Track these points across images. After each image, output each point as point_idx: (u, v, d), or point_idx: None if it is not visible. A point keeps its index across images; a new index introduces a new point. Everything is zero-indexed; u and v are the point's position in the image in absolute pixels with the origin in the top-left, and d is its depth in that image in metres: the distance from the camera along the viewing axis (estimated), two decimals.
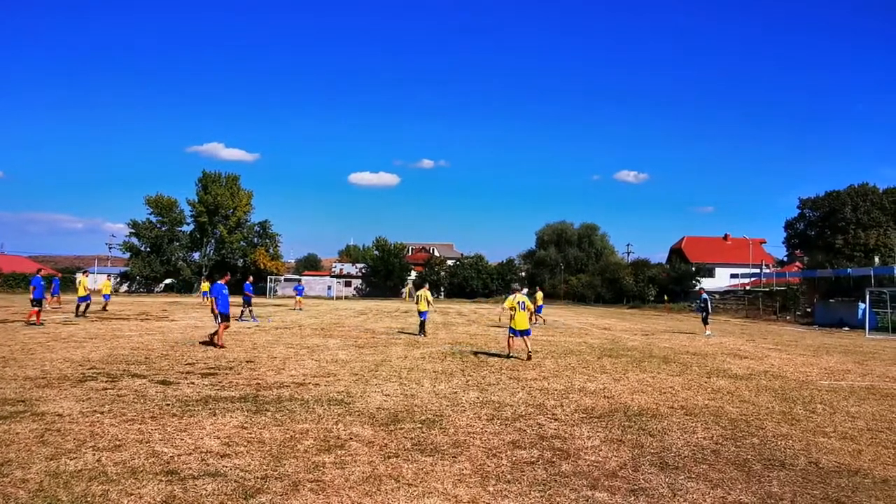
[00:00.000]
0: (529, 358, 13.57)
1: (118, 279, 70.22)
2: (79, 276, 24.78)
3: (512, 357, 13.86)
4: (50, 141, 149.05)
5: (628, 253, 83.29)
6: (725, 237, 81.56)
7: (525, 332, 13.81)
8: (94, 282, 71.55)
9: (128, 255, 71.47)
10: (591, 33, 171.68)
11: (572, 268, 76.55)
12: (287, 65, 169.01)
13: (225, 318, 14.74)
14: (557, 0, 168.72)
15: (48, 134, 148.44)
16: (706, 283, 65.02)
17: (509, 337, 14.21)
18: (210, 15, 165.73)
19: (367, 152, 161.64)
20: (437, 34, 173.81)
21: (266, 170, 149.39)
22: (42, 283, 20.60)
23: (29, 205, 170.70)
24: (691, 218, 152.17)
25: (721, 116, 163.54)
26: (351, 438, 6.48)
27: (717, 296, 54.30)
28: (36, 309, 19.87)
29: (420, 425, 7.14)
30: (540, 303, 28.82)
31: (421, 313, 19.75)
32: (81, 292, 24.73)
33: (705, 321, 24.83)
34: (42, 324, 19.72)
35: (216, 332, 14.78)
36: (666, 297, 60.72)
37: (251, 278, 27.49)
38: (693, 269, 67.50)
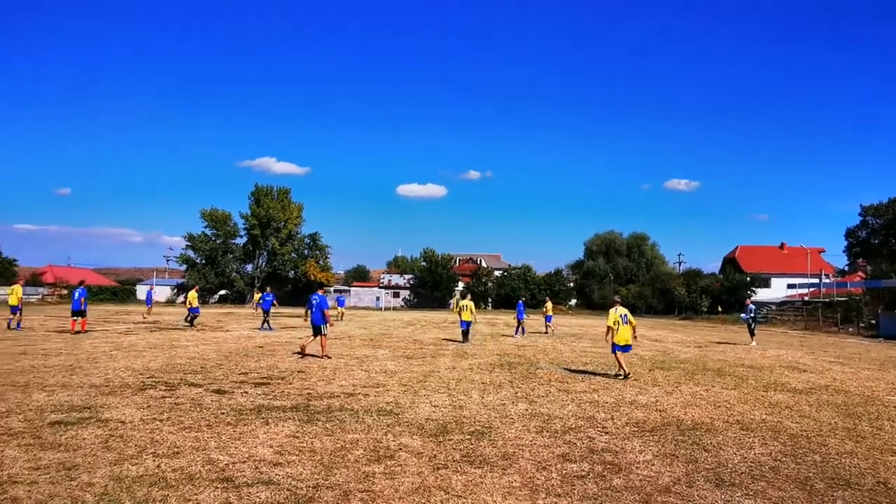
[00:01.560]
0: (626, 377, 12.52)
1: (175, 290, 72.47)
2: (191, 291, 26.29)
3: (619, 376, 12.71)
4: (112, 158, 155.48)
5: (679, 263, 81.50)
6: (781, 246, 78.94)
7: (626, 349, 12.86)
8: (157, 294, 74.05)
9: (184, 267, 73.64)
10: (639, 42, 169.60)
11: (622, 278, 75.28)
12: (336, 79, 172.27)
13: (316, 330, 14.98)
14: (602, 8, 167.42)
15: (110, 152, 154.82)
16: (762, 294, 63.06)
17: (614, 353, 13.03)
18: (260, 33, 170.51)
19: (415, 164, 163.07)
20: (481, 45, 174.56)
21: (316, 183, 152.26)
22: (85, 293, 21.49)
23: (93, 220, 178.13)
24: (745, 226, 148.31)
25: (775, 121, 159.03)
26: (400, 449, 6.51)
27: (773, 307, 52.52)
28: (79, 319, 20.76)
29: (469, 437, 7.12)
30: (549, 313, 28.86)
31: (462, 323, 20.68)
32: (193, 304, 25.89)
33: (752, 332, 24.41)
34: (86, 332, 20.69)
35: (321, 345, 15.09)
36: (719, 309, 59.07)
37: (268, 289, 28.24)
38: (748, 279, 65.53)
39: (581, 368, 14.43)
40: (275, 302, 26.72)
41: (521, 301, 26.58)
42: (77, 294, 21.18)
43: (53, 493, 4.90)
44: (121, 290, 70.80)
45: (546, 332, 27.95)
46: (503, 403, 9.36)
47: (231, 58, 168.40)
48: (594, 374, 13.55)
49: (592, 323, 43.87)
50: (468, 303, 20.92)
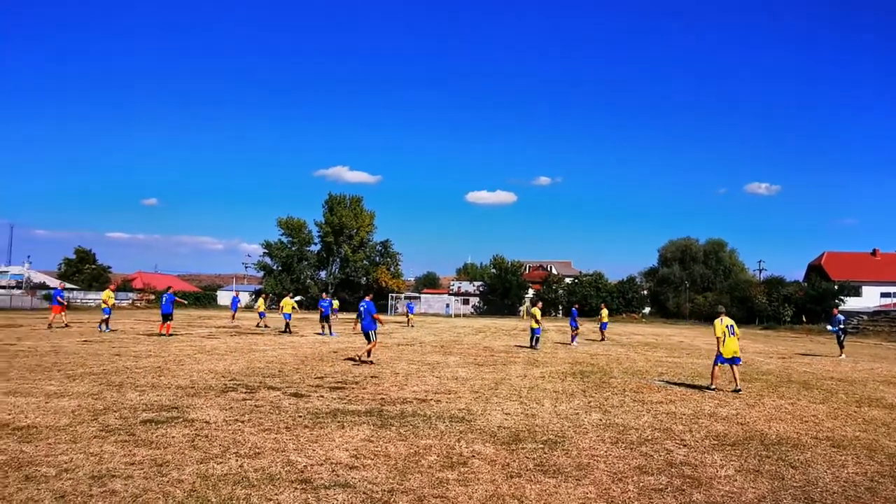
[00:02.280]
0: (737, 391, 11.92)
1: (253, 296, 75.16)
2: (286, 298, 27.21)
3: (713, 389, 12.23)
4: (195, 170, 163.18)
5: (760, 270, 77.88)
6: (874, 252, 74.36)
7: (734, 361, 12.20)
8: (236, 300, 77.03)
9: (261, 273, 76.27)
10: (712, 42, 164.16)
11: (698, 286, 72.75)
12: (406, 88, 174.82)
13: (366, 336, 14.99)
14: (680, 9, 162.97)
15: (194, 164, 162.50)
16: (852, 303, 59.60)
17: (715, 366, 12.47)
18: (336, 44, 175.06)
19: (484, 171, 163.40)
20: (549, 50, 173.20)
21: (387, 191, 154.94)
22: (173, 298, 22.84)
23: (178, 229, 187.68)
24: (831, 232, 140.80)
25: (860, 120, 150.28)
26: (473, 456, 6.52)
27: (865, 317, 49.54)
28: (167, 323, 22.05)
29: (542, 445, 7.06)
30: (604, 320, 28.73)
31: (534, 330, 21.49)
32: (287, 310, 26.53)
33: (841, 344, 23.10)
34: (171, 335, 21.81)
35: (367, 350, 15.12)
36: (804, 318, 56.20)
37: (324, 294, 28.58)
38: (835, 287, 62.06)
39: (688, 381, 14.03)
40: (333, 307, 27.09)
41: (574, 308, 26.02)
42: (165, 299, 22.56)
43: (147, 487, 5.17)
44: (203, 296, 73.94)
45: (602, 340, 27.71)
46: (576, 413, 9.23)
47: (306, 69, 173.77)
48: (701, 388, 13.12)
49: (667, 332, 42.60)
50: (535, 310, 21.89)
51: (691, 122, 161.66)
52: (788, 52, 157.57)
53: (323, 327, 25.90)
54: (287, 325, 26.25)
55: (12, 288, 55.32)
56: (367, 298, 15.23)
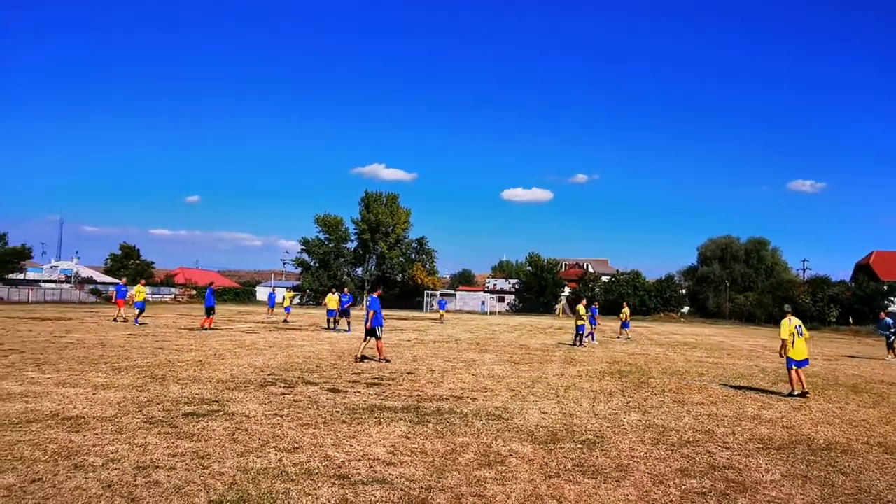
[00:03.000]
0: (804, 395, 11.44)
1: (291, 292, 76.28)
2: (329, 295, 27.42)
3: (794, 396, 11.58)
4: (235, 168, 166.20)
5: (804, 269, 75.89)
6: None
7: (803, 363, 11.58)
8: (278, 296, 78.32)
9: (299, 269, 77.26)
10: (758, 34, 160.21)
11: (738, 285, 71.20)
12: (443, 86, 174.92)
13: (370, 332, 14.15)
14: (716, 4, 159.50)
15: (234, 162, 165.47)
16: None
17: (790, 370, 11.73)
18: (372, 43, 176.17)
19: (521, 168, 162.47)
20: (586, 48, 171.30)
21: (423, 188, 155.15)
22: (213, 294, 23.96)
23: (218, 225, 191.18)
24: (880, 230, 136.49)
25: None
26: (511, 455, 6.45)
27: None
28: (210, 317, 23.13)
29: (580, 446, 6.96)
30: (626, 319, 28.44)
31: (578, 327, 22.04)
32: (332, 306, 26.65)
33: (890, 346, 22.36)
34: (214, 329, 22.81)
35: (378, 348, 14.42)
36: (851, 319, 54.50)
37: (346, 290, 28.42)
38: (885, 287, 60.01)
39: (756, 386, 13.74)
40: (352, 303, 27.13)
41: (594, 307, 25.90)
42: (208, 293, 23.72)
43: (189, 479, 5.25)
44: (242, 292, 75.21)
45: (619, 338, 27.44)
46: (615, 413, 9.08)
47: (345, 68, 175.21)
48: (763, 391, 12.83)
49: (707, 332, 41.82)
50: (579, 307, 22.43)
51: (732, 119, 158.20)
52: (836, 47, 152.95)
53: (345, 323, 25.62)
54: (328, 321, 26.54)
55: (62, 282, 57.13)
56: (373, 294, 14.51)
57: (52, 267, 66.32)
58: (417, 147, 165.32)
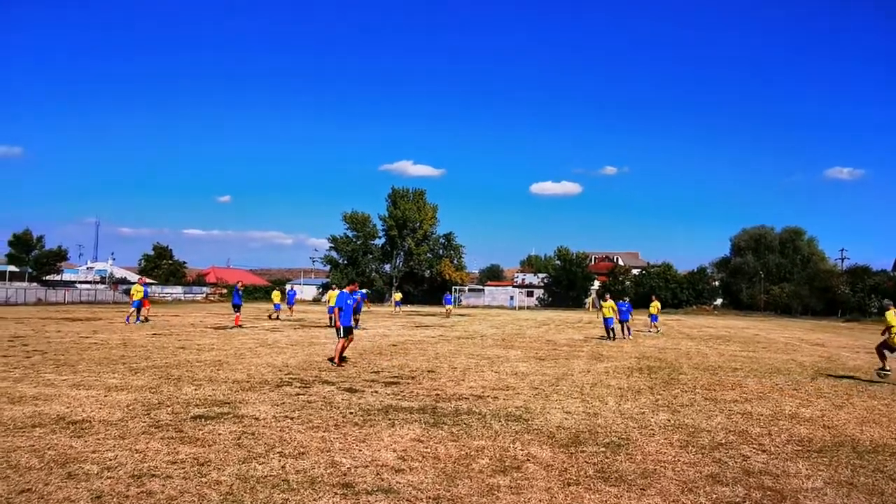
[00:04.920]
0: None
1: (320, 290, 76.57)
2: (330, 291, 27.30)
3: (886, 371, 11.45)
4: (265, 167, 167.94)
5: (842, 259, 73.61)
6: None
7: None
8: (303, 293, 78.74)
9: (328, 267, 77.59)
10: (790, 24, 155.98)
11: (773, 276, 69.43)
12: (470, 81, 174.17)
13: (346, 331, 12.75)
14: None
15: (264, 162, 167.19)
16: None
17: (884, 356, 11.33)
18: (399, 44, 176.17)
19: (549, 162, 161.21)
20: (613, 40, 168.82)
21: (451, 184, 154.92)
22: (240, 292, 24.59)
23: (249, 224, 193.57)
24: None
25: None
26: (528, 460, 6.06)
27: None
28: (238, 314, 23.68)
29: (603, 449, 6.53)
30: (654, 312, 27.72)
31: (606, 319, 22.06)
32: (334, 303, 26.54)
33: None
34: (241, 326, 23.04)
35: (338, 348, 12.89)
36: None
37: (355, 285, 27.86)
38: None
39: (778, 379, 13.15)
40: (366, 300, 26.58)
41: (623, 301, 24.55)
42: (235, 291, 24.48)
43: (184, 489, 4.97)
44: (272, 290, 75.85)
45: (650, 331, 26.91)
46: (642, 412, 8.63)
47: (373, 66, 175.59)
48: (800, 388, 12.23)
49: (741, 324, 40.72)
50: (608, 302, 22.45)
51: (766, 107, 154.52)
52: (874, 26, 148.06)
53: (353, 322, 25.24)
54: (331, 319, 25.74)
55: (97, 283, 58.20)
56: (344, 290, 13.11)
57: (87, 268, 67.72)
58: (445, 143, 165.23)
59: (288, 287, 41.86)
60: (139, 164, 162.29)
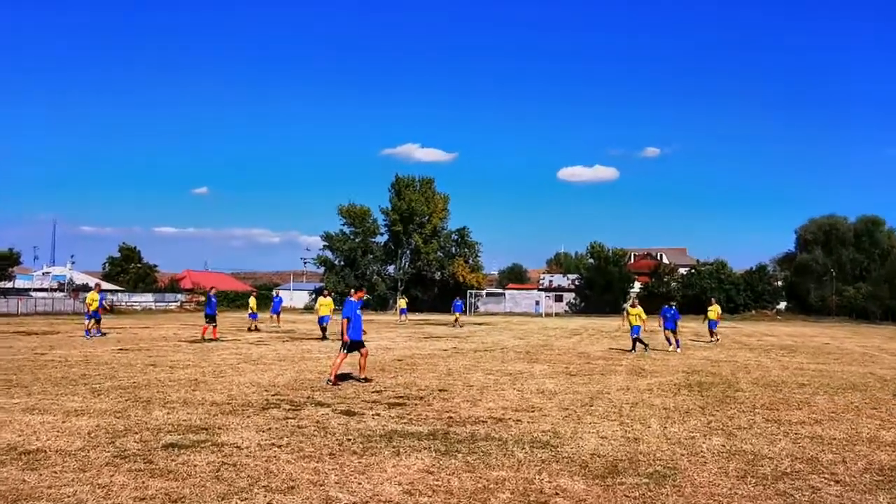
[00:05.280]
0: None
1: (312, 296, 76.97)
2: (321, 298, 27.12)
3: None
4: (246, 154, 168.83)
5: None
6: None
7: None
8: (293, 300, 79.16)
9: (322, 269, 77.90)
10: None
11: (847, 274, 68.99)
12: (485, 49, 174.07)
13: (355, 345, 12.96)
14: None
15: (245, 148, 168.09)
16: None
17: None
18: (401, 8, 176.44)
19: (580, 143, 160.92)
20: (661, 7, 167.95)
21: (464, 170, 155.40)
22: (214, 300, 24.78)
23: (231, 220, 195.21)
24: None
25: None
26: (556, 493, 6.05)
27: None
28: (210, 325, 23.80)
29: (646, 480, 6.51)
30: (714, 318, 27.76)
31: (633, 328, 21.81)
32: (325, 312, 25.99)
33: None
34: (217, 339, 23.35)
35: (335, 365, 13.03)
36: None
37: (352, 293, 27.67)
38: None
39: (853, 397, 13.06)
40: (362, 307, 26.06)
41: (669, 307, 23.96)
42: (208, 299, 24.70)
43: None
44: (257, 296, 76.29)
45: (711, 341, 27.05)
46: (692, 436, 8.60)
47: (368, 33, 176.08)
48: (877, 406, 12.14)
49: (808, 332, 40.45)
50: (637, 309, 22.14)
51: (835, 79, 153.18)
52: None
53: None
54: (324, 330, 25.36)
55: (54, 290, 58.81)
56: (351, 297, 13.49)
57: (43, 273, 68.48)
58: (457, 122, 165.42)
59: (274, 293, 41.93)
60: (102, 153, 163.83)
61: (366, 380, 13.12)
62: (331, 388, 12.32)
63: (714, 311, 27.96)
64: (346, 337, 12.75)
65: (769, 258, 78.72)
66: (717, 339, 27.53)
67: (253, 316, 32.33)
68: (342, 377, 13.22)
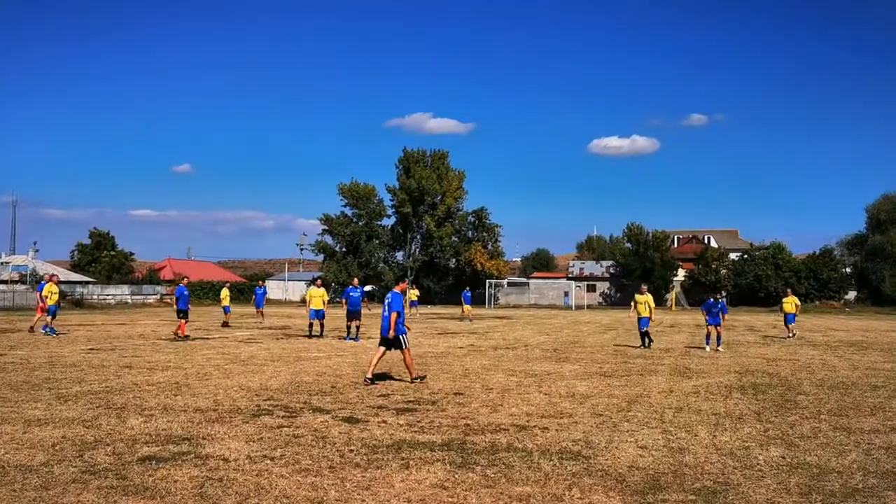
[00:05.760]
0: None
1: (310, 286, 77.28)
2: (312, 288, 26.64)
3: None
4: (234, 127, 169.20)
5: None
6: None
7: None
8: (289, 292, 79.52)
9: (321, 256, 78.18)
10: None
11: None
12: (503, 7, 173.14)
13: (389, 342, 13.78)
14: None
15: (233, 119, 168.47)
16: None
17: None
18: None
19: (614, 111, 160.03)
20: None
21: (482, 143, 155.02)
22: (186, 292, 24.82)
23: (218, 201, 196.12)
24: None
25: None
26: None
27: None
28: (183, 321, 24.02)
29: (693, 497, 6.50)
30: (791, 311, 27.92)
31: (641, 320, 22.08)
32: (316, 305, 25.45)
33: None
34: (188, 337, 23.63)
35: (407, 362, 13.97)
36: None
37: (355, 282, 27.59)
38: None
39: None
40: (364, 299, 25.75)
41: (718, 300, 23.24)
42: (178, 291, 24.86)
43: None
44: (248, 288, 76.66)
45: (790, 337, 27.29)
46: (746, 446, 8.59)
47: None
48: None
49: (882, 326, 40.23)
50: (646, 297, 22.34)
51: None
52: None
53: (349, 328, 24.36)
54: (317, 325, 25.22)
55: (15, 282, 59.30)
56: (395, 289, 14.24)
57: (2, 263, 69.01)
58: (473, 89, 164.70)
59: (258, 285, 41.70)
60: (69, 126, 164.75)
61: (419, 379, 13.87)
62: (415, 384, 13.40)
63: (791, 302, 28.01)
64: (392, 333, 13.61)
65: (835, 241, 78.18)
66: (794, 335, 27.66)
67: (226, 310, 32.57)
68: (379, 377, 13.96)
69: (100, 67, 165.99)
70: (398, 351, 13.90)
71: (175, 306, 24.92)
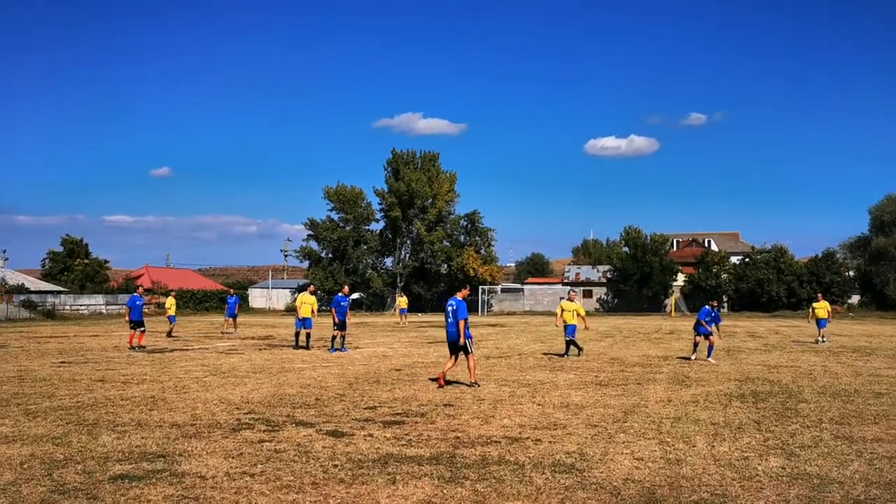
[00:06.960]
0: None
1: (294, 295, 77.15)
2: (302, 295, 26.11)
3: None
4: (216, 128, 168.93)
5: None
6: None
7: None
8: (273, 300, 79.18)
9: (306, 263, 78.01)
10: None
11: None
12: (497, 3, 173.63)
13: (455, 347, 14.90)
14: None
15: (214, 121, 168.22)
16: None
17: None
18: None
19: (611, 110, 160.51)
20: None
21: (474, 144, 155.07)
22: (140, 302, 24.75)
23: (198, 206, 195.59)
24: None
25: None
26: None
27: None
28: (134, 332, 24.07)
29: None
30: (823, 316, 28.33)
31: (567, 327, 21.50)
32: (305, 313, 24.97)
33: None
34: (144, 347, 23.87)
35: (469, 368, 14.98)
36: None
37: (345, 289, 26.99)
38: None
39: None
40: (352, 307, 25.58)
41: (712, 307, 21.78)
42: (131, 301, 24.65)
43: None
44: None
45: (823, 341, 27.52)
46: (745, 457, 8.62)
47: None
48: None
49: (887, 331, 40.43)
50: (574, 305, 21.91)
51: None
52: None
53: (335, 339, 23.77)
54: (303, 335, 24.73)
55: None
56: (457, 295, 15.00)
57: None
58: (465, 88, 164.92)
59: (231, 294, 41.32)
60: (40, 128, 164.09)
61: (475, 384, 14.78)
62: (475, 388, 14.35)
63: (823, 307, 28.14)
64: (462, 339, 14.61)
65: (838, 243, 78.50)
66: (825, 340, 27.78)
67: (172, 319, 32.29)
68: (449, 384, 14.80)
69: (73, 69, 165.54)
70: (451, 358, 14.99)
71: (127, 317, 24.50)
